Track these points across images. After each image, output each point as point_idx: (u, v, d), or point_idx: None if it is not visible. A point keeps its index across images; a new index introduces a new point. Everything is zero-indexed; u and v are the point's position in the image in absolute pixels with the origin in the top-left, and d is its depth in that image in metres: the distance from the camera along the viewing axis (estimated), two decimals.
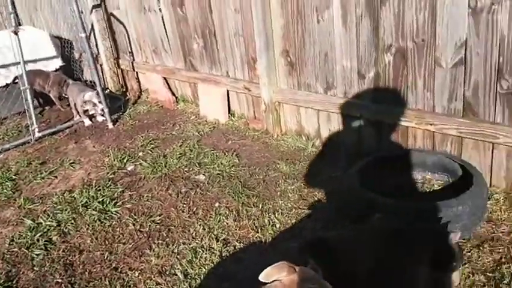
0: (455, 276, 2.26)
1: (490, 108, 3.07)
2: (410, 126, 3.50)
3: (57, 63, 6.60)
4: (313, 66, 3.99)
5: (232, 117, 5.07)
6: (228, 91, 4.97)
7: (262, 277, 1.67)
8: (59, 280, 2.94)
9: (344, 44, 3.69)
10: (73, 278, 2.94)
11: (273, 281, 1.66)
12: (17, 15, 8.05)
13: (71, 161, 4.63)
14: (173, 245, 3.13)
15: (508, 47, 2.86)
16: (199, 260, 2.93)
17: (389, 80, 3.52)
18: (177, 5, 5.05)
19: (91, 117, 5.67)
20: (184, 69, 5.46)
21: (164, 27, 5.41)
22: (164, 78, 5.83)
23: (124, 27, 6.02)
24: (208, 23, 4.80)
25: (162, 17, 5.37)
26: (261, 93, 4.43)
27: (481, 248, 2.73)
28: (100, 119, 5.65)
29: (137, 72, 6.29)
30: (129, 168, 4.34)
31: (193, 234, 3.22)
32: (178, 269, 2.87)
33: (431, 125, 3.35)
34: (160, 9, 5.32)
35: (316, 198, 3.46)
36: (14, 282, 2.97)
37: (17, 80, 5.79)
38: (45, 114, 6.22)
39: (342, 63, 3.77)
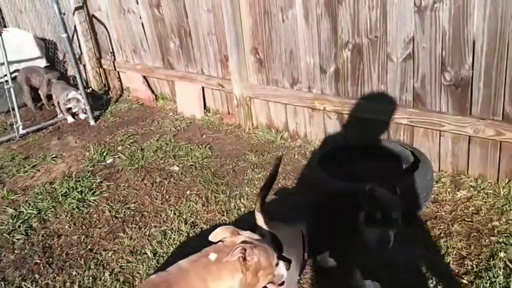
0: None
1: (436, 99, 3.35)
2: (368, 117, 3.75)
3: (42, 63, 6.81)
4: (280, 63, 4.25)
5: (208, 113, 5.32)
6: (203, 88, 5.22)
7: (210, 237, 1.92)
8: (38, 261, 3.16)
9: (307, 42, 3.95)
10: (51, 259, 3.16)
11: (218, 241, 1.90)
12: (2, 17, 8.27)
13: (53, 156, 4.85)
14: (145, 228, 3.37)
15: (449, 42, 3.13)
16: (168, 240, 3.17)
17: (348, 75, 3.79)
18: (154, 6, 5.29)
19: (74, 114, 5.88)
20: (162, 67, 5.70)
21: (143, 28, 5.65)
22: (144, 77, 6.06)
23: (106, 28, 6.24)
24: (184, 23, 5.05)
25: (140, 18, 5.60)
26: (233, 89, 4.68)
27: (424, 225, 3.00)
28: (82, 116, 5.87)
29: (118, 72, 6.51)
30: (108, 161, 4.56)
31: (164, 218, 3.46)
32: (148, 248, 3.11)
33: (385, 115, 3.62)
34: (138, 10, 5.55)
35: (280, 185, 3.71)
36: None
37: (15, 74, 5.98)
38: (29, 113, 6.39)
39: (306, 60, 4.03)
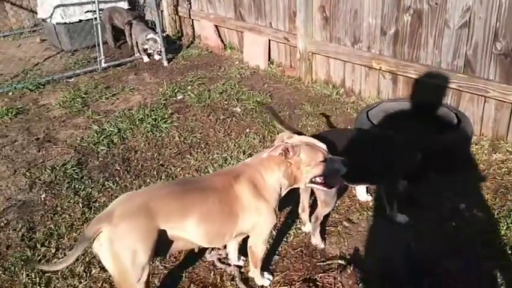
0: None
1: (485, 67, 3.59)
2: (419, 79, 4.04)
3: (124, 5, 7.40)
4: (344, 22, 4.56)
5: (271, 65, 5.74)
6: (269, 40, 5.62)
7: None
8: (118, 168, 3.77)
9: (372, 3, 4.24)
10: (129, 168, 3.76)
11: None
12: None
13: (131, 88, 5.46)
14: (208, 153, 3.89)
15: (504, 13, 3.35)
16: (228, 165, 3.67)
17: (406, 38, 4.06)
18: None
19: (149, 55, 6.47)
20: (233, 18, 6.13)
21: None
22: (216, 26, 6.52)
23: None
24: None
25: None
26: (298, 43, 5.05)
27: (456, 177, 3.33)
28: (157, 57, 6.44)
29: (192, 20, 7.01)
30: (179, 97, 5.12)
31: (225, 148, 3.97)
32: (211, 169, 3.63)
33: (436, 78, 3.89)
34: None
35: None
36: (84, 166, 3.83)
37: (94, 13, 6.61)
38: (110, 50, 7.04)
39: (369, 20, 4.32)
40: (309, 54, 5.03)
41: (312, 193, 2.80)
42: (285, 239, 2.82)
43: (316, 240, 2.72)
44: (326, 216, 2.92)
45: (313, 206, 2.85)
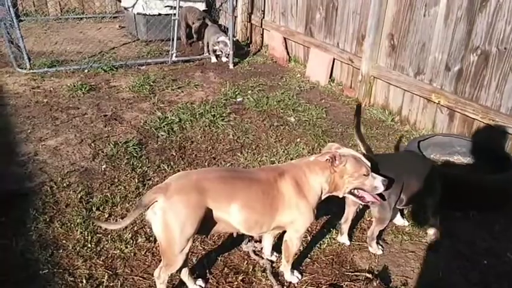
0: None
1: None
2: (476, 119, 4.08)
3: (202, 6, 7.80)
4: (411, 52, 4.66)
5: (331, 82, 5.89)
6: (334, 59, 5.77)
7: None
8: (174, 154, 4.03)
9: (441, 39, 4.32)
10: (184, 155, 4.02)
11: None
12: None
13: (195, 84, 5.77)
14: (258, 155, 4.09)
15: None
16: None
17: (469, 77, 4.11)
18: None
19: (217, 56, 6.78)
20: (303, 33, 6.34)
21: None
22: (284, 38, 6.76)
23: None
24: None
25: None
26: (361, 66, 5.19)
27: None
28: (224, 59, 6.74)
29: (263, 29, 7.28)
30: (238, 99, 5.36)
31: (275, 152, 4.15)
32: None
33: (493, 121, 3.92)
34: None
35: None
36: (143, 146, 4.12)
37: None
38: (181, 46, 7.42)
39: (435, 55, 4.40)
40: (371, 77, 5.15)
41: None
42: (318, 246, 2.95)
43: (373, 249, 2.92)
44: (363, 232, 3.05)
45: (353, 222, 2.99)
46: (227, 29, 6.95)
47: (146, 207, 2.13)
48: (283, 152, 4.17)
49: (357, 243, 3.00)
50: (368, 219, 3.24)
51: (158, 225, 2.14)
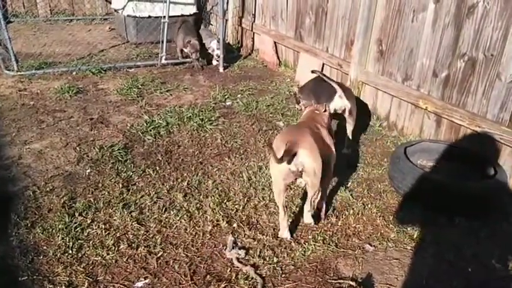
0: None
1: None
2: (463, 125, 4.08)
3: (193, 10, 7.78)
4: (399, 58, 4.66)
5: None
6: (323, 64, 5.77)
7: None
8: (160, 158, 4.00)
9: (428, 45, 4.33)
10: (170, 160, 3.99)
11: None
12: None
13: (185, 87, 5.75)
14: (245, 160, 4.07)
15: None
16: (262, 173, 3.84)
17: (456, 83, 4.12)
18: None
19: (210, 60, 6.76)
20: (293, 38, 6.33)
21: (287, 0, 6.30)
22: (275, 42, 6.75)
23: None
24: (323, 3, 5.61)
25: None
26: (350, 71, 5.18)
27: None
28: (214, 62, 6.72)
29: (253, 33, 7.27)
30: (227, 103, 5.34)
31: (263, 157, 4.13)
32: (245, 174, 3.80)
33: (479, 127, 3.93)
34: None
35: (366, 162, 4.20)
36: (129, 150, 4.09)
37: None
38: (171, 48, 7.37)
39: (422, 61, 4.41)
40: (359, 83, 5.14)
41: None
42: (302, 252, 2.93)
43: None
44: (348, 239, 3.05)
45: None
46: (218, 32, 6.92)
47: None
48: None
49: (342, 250, 2.99)
50: (354, 225, 3.24)
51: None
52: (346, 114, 4.18)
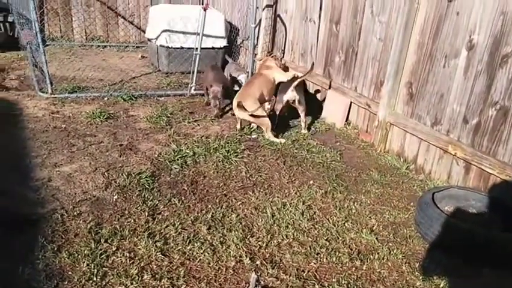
0: None
1: None
2: (493, 174, 4.02)
3: (223, 43, 7.95)
4: (429, 102, 4.66)
5: (347, 125, 5.89)
6: (351, 103, 5.79)
7: None
8: (185, 188, 4.03)
9: (459, 91, 4.32)
10: (195, 190, 4.01)
11: None
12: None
13: (212, 118, 5.82)
14: (270, 195, 4.07)
15: None
16: (286, 210, 3.82)
17: (487, 131, 4.08)
18: (334, 22, 6.00)
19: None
20: (321, 75, 6.40)
21: (317, 37, 6.40)
22: None
23: (285, 28, 7.13)
24: (354, 44, 5.68)
25: (318, 29, 6.35)
26: (378, 111, 5.19)
27: None
28: None
29: None
30: (253, 136, 5.38)
31: (286, 193, 4.13)
32: (269, 210, 3.79)
33: (510, 177, 3.86)
34: (318, 22, 6.31)
35: (393, 205, 4.15)
36: (156, 179, 4.13)
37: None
38: (200, 79, 7.51)
39: (453, 106, 4.39)
40: (387, 124, 5.14)
41: None
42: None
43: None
44: (372, 284, 2.98)
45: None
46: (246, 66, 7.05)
47: None
48: (296, 193, 4.14)
49: None
50: (378, 270, 3.17)
51: None
52: (296, 104, 5.54)
